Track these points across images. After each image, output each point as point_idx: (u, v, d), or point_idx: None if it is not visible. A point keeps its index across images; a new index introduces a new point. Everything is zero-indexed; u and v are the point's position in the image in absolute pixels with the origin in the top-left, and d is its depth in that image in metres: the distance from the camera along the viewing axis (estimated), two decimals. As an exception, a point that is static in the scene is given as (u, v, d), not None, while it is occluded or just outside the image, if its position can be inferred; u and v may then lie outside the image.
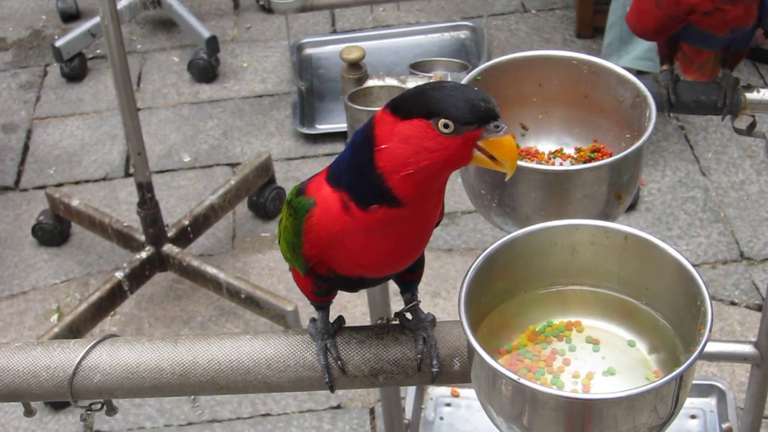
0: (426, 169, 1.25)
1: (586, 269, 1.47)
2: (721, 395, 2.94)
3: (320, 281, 1.43)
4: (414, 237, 1.36)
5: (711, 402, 2.95)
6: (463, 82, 1.71)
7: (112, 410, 1.65)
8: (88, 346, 1.53)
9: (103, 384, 1.52)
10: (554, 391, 1.27)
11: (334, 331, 1.50)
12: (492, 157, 1.26)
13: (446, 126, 1.23)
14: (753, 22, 1.92)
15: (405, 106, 1.26)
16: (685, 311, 1.37)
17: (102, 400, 1.62)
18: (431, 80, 1.97)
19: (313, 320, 1.50)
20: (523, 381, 1.24)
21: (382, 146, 1.25)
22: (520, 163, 1.58)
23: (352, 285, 1.46)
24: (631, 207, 3.81)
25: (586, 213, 1.59)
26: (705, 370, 3.21)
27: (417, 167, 1.24)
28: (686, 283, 1.37)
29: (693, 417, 2.92)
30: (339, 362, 1.48)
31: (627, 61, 3.88)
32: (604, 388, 1.36)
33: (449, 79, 1.93)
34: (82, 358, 1.52)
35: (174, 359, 1.52)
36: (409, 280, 1.49)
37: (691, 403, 2.95)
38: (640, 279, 1.44)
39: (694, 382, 2.91)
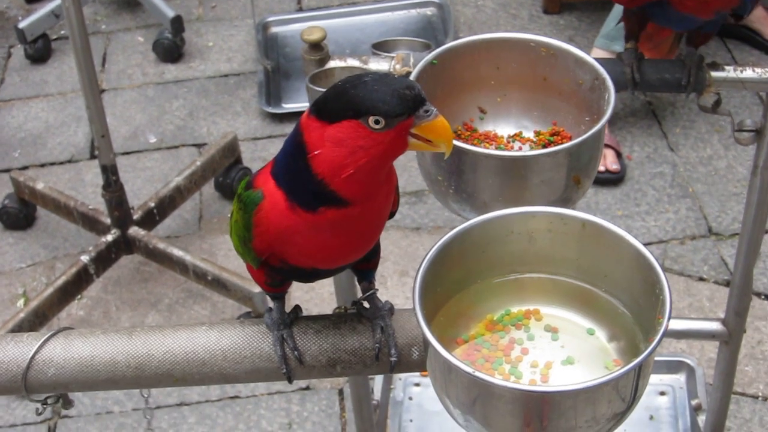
0: (365, 167, 1.23)
1: (544, 257, 1.45)
2: (690, 372, 2.94)
3: (273, 272, 1.41)
4: (366, 230, 1.35)
5: (680, 379, 2.95)
6: (419, 66, 1.69)
7: (68, 404, 1.63)
8: (42, 340, 1.51)
9: (57, 378, 1.51)
10: (509, 384, 1.25)
11: (290, 321, 1.47)
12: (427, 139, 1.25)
13: (377, 122, 1.21)
14: (735, 5, 1.90)
15: (330, 108, 1.24)
16: (644, 299, 1.36)
17: (58, 394, 1.60)
18: (392, 61, 1.95)
19: (269, 310, 1.47)
20: (477, 374, 1.22)
21: (315, 152, 1.24)
22: (476, 149, 1.57)
23: (307, 276, 1.44)
24: (619, 181, 3.80)
25: (545, 198, 1.58)
26: (674, 347, 3.20)
27: (356, 167, 1.23)
28: (645, 271, 1.35)
29: (662, 394, 2.92)
30: (296, 353, 1.46)
31: None
32: (563, 378, 1.35)
33: (411, 60, 1.90)
34: (36, 352, 1.50)
35: (129, 352, 1.50)
36: (366, 269, 1.48)
37: (660, 380, 2.95)
38: (598, 266, 1.43)
39: (663, 358, 2.93)
